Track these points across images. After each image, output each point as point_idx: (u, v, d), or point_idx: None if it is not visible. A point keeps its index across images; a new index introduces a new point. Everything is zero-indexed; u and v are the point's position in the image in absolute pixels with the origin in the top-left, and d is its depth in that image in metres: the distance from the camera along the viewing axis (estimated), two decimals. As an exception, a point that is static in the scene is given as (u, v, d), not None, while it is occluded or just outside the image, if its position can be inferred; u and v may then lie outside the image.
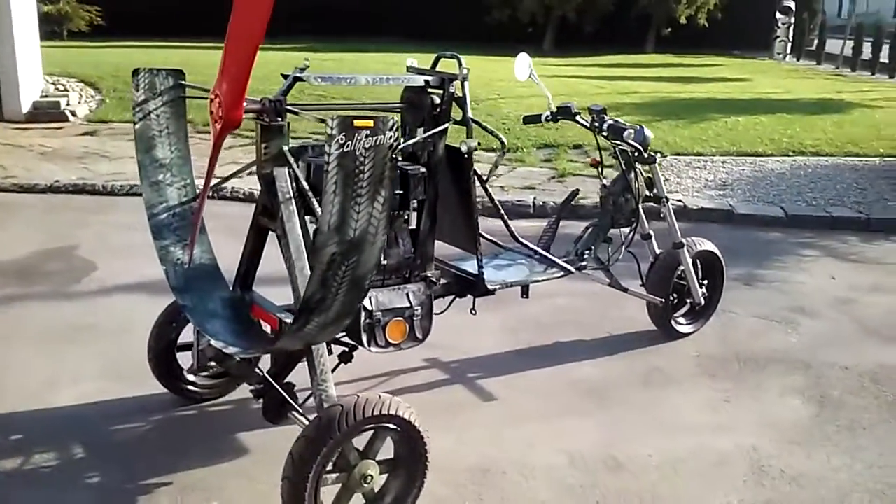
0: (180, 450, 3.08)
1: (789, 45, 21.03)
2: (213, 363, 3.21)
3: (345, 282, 2.32)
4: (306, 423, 2.60)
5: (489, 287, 3.29)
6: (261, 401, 2.94)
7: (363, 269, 2.34)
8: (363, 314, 2.85)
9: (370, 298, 2.86)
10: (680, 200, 6.56)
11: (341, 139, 2.13)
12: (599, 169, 3.88)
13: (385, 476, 2.62)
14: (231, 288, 3.10)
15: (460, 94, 3.10)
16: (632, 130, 3.72)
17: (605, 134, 3.79)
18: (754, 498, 2.93)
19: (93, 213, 6.05)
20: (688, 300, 4.17)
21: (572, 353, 4.03)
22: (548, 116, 3.79)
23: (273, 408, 2.92)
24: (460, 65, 3.13)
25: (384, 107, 3.25)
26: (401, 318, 2.95)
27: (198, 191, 3.23)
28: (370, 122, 2.17)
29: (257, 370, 3.00)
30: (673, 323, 4.18)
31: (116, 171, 6.98)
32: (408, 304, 2.96)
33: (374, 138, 2.17)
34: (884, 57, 18.29)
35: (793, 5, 20.21)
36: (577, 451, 3.16)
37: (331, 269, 2.27)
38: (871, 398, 3.68)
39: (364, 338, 2.88)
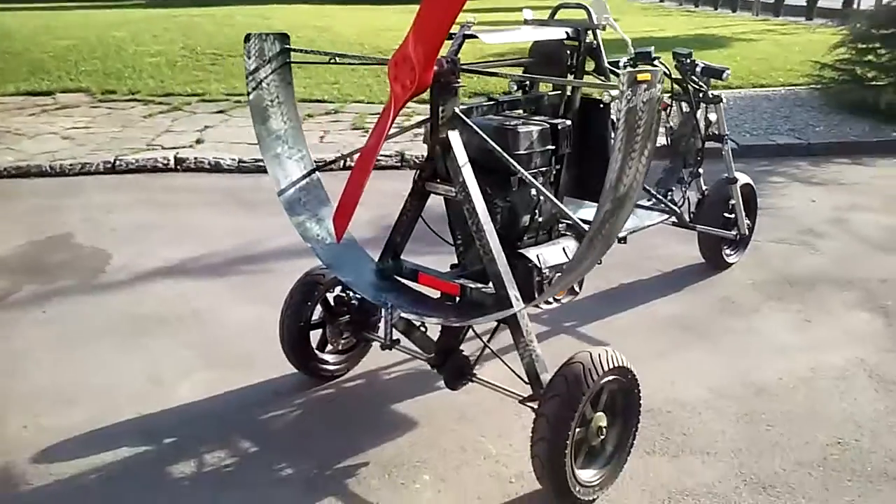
0: (349, 428, 2.98)
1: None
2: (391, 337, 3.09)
3: (604, 238, 2.32)
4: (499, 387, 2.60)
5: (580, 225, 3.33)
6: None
7: (620, 223, 2.35)
8: (535, 273, 2.83)
9: (537, 256, 2.85)
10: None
11: (629, 94, 2.10)
12: (668, 112, 4.00)
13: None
14: (380, 258, 2.98)
15: (594, 45, 3.11)
16: (729, 71, 3.85)
17: (695, 77, 3.88)
18: (889, 401, 3.21)
19: (57, 197, 5.52)
20: (733, 231, 4.41)
21: (642, 294, 4.17)
22: (627, 62, 3.83)
23: (454, 375, 2.87)
24: (590, 16, 3.14)
25: (519, 61, 3.20)
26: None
27: (312, 163, 3.08)
28: (648, 76, 2.15)
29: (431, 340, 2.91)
30: (723, 254, 4.41)
31: (47, 149, 6.37)
32: (566, 259, 2.95)
33: (651, 91, 2.16)
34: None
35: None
36: (712, 383, 3.33)
37: (602, 227, 2.26)
38: (922, 304, 4.10)
39: (536, 295, 2.87)
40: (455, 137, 2.60)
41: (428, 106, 2.59)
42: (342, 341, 3.22)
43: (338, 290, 3.18)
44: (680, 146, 4.01)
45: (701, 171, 4.25)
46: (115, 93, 8.63)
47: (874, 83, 8.23)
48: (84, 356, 3.45)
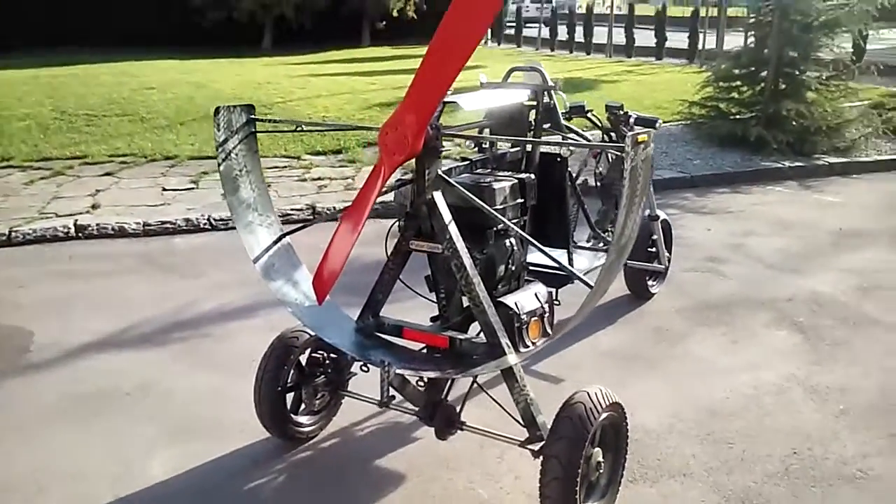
0: (339, 488, 2.97)
1: (489, 31, 22.89)
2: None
3: (607, 282, 2.47)
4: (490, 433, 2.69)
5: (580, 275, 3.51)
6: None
7: (620, 268, 2.51)
8: (515, 319, 2.94)
9: (515, 303, 2.96)
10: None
11: (632, 155, 2.27)
12: (597, 159, 4.24)
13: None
14: (360, 316, 3.00)
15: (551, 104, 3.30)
16: (661, 120, 4.13)
17: (627, 127, 4.13)
18: (827, 409, 3.52)
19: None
20: (655, 263, 4.69)
21: (583, 328, 4.33)
22: (564, 115, 4.03)
23: (443, 426, 2.93)
24: (544, 78, 3.35)
25: (482, 123, 3.35)
26: (537, 318, 3.08)
27: (281, 229, 3.10)
28: (646, 137, 2.33)
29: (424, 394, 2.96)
30: (647, 285, 4.69)
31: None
32: (538, 304, 3.07)
33: (647, 150, 2.34)
34: (578, 37, 20.65)
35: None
36: (669, 409, 3.53)
37: (609, 273, 2.41)
38: (829, 318, 4.50)
39: (515, 341, 2.98)
40: (440, 197, 2.69)
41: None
42: (317, 401, 3.21)
43: (308, 351, 3.17)
44: (612, 189, 4.26)
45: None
46: (-14, 160, 8.16)
47: (739, 117, 8.94)
48: (40, 442, 3.26)
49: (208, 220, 6.14)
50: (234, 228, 6.00)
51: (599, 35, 20.00)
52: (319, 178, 7.42)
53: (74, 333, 4.27)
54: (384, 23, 22.95)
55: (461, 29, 2.41)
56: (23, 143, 8.63)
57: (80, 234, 5.94)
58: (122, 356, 4.04)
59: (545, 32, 21.98)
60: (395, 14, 22.59)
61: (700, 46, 16.74)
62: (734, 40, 11.13)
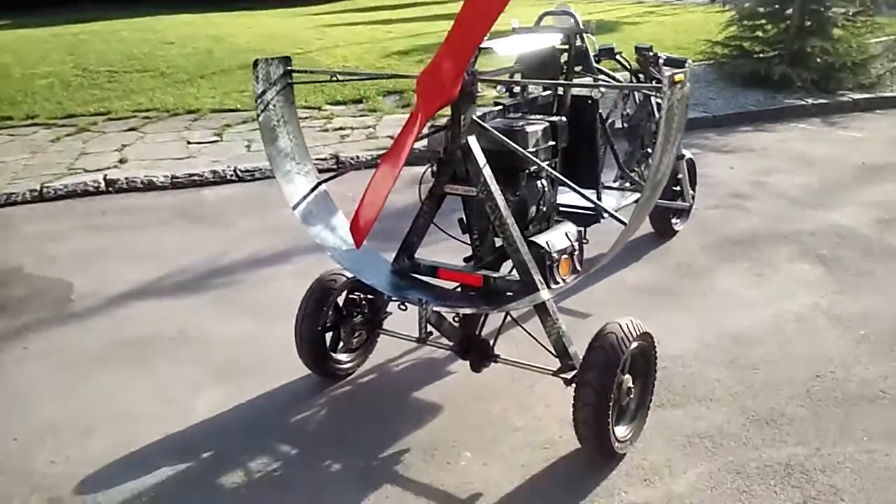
0: (379, 420, 3.09)
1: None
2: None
3: (641, 217, 2.55)
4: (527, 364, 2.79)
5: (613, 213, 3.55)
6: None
7: (653, 204, 2.58)
8: (546, 258, 3.01)
9: (546, 242, 3.03)
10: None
11: (668, 94, 2.32)
12: (625, 100, 4.27)
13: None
14: (396, 258, 3.09)
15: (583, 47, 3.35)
16: (690, 60, 4.14)
17: (656, 68, 4.13)
18: (849, 336, 3.59)
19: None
20: (680, 201, 4.74)
21: (608, 266, 4.39)
22: (595, 57, 4.03)
23: (478, 359, 3.05)
24: (576, 21, 3.38)
25: (515, 69, 3.40)
26: (567, 256, 3.15)
27: (317, 176, 3.18)
28: (682, 77, 2.38)
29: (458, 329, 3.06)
30: (671, 223, 4.75)
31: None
32: (569, 243, 3.13)
33: (683, 90, 2.39)
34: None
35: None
36: (694, 338, 3.62)
37: (643, 209, 2.49)
38: (851, 250, 4.55)
39: (546, 278, 3.06)
40: (474, 142, 2.76)
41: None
42: (355, 340, 3.33)
43: (345, 293, 3.28)
44: (638, 130, 4.29)
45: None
46: (12, 118, 8.25)
47: (762, 56, 8.85)
48: (86, 385, 3.42)
49: (234, 171, 6.24)
50: (260, 179, 6.18)
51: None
52: (341, 128, 7.48)
53: (112, 283, 4.41)
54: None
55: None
56: (46, 101, 8.74)
57: (110, 189, 6.06)
58: (160, 304, 4.18)
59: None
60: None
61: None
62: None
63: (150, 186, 6.11)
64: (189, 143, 7.14)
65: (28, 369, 3.56)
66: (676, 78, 2.33)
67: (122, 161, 6.62)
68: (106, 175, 6.17)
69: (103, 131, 7.65)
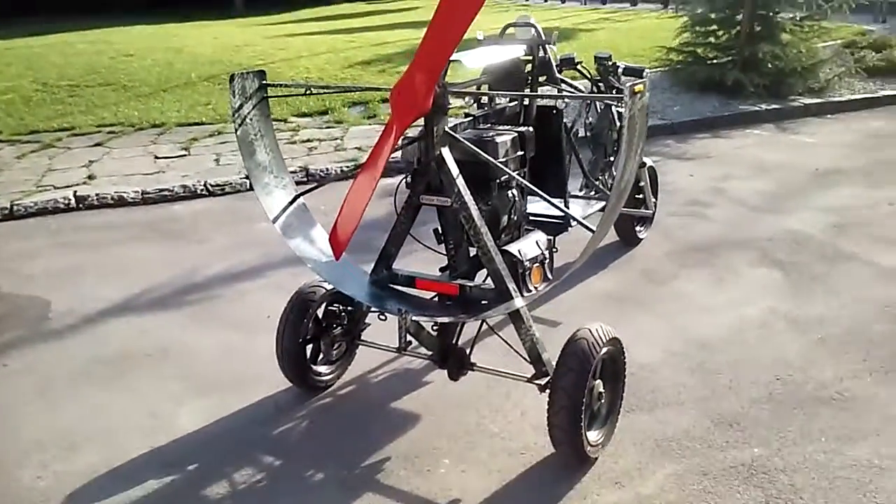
0: (359, 430, 3.19)
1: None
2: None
3: (607, 225, 2.68)
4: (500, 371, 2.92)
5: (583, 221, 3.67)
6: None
7: (616, 215, 2.71)
8: (518, 266, 3.13)
9: (518, 251, 3.16)
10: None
11: (631, 105, 2.45)
12: (587, 109, 4.42)
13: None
14: (374, 269, 3.19)
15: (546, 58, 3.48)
16: (647, 69, 4.30)
17: (615, 76, 4.29)
18: (806, 339, 3.78)
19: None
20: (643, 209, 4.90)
21: (575, 274, 4.54)
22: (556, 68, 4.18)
23: (456, 368, 3.16)
24: (538, 33, 3.51)
25: (481, 80, 3.51)
26: (539, 264, 3.28)
27: (295, 189, 3.27)
28: (642, 87, 2.51)
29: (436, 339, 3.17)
30: (635, 230, 4.92)
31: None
32: (540, 251, 3.26)
33: (643, 99, 2.53)
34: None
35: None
36: (660, 344, 3.78)
37: (609, 216, 2.62)
38: (807, 255, 4.75)
39: (519, 286, 3.18)
40: (447, 153, 2.87)
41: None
42: (334, 351, 3.43)
43: (324, 305, 3.37)
44: (601, 138, 4.44)
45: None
46: (-26, 134, 8.21)
47: (716, 62, 9.11)
48: (69, 402, 3.47)
49: (205, 185, 6.28)
50: (231, 193, 6.23)
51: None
52: (308, 140, 7.56)
53: (89, 300, 4.45)
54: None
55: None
56: (9, 117, 8.69)
57: (80, 206, 6.07)
58: (138, 320, 4.23)
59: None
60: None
61: (674, -10, 16.78)
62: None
63: (120, 202, 6.14)
64: (157, 157, 7.16)
65: (9, 386, 3.60)
66: (636, 88, 2.46)
67: (90, 177, 6.63)
68: (76, 191, 6.18)
69: (69, 147, 7.64)
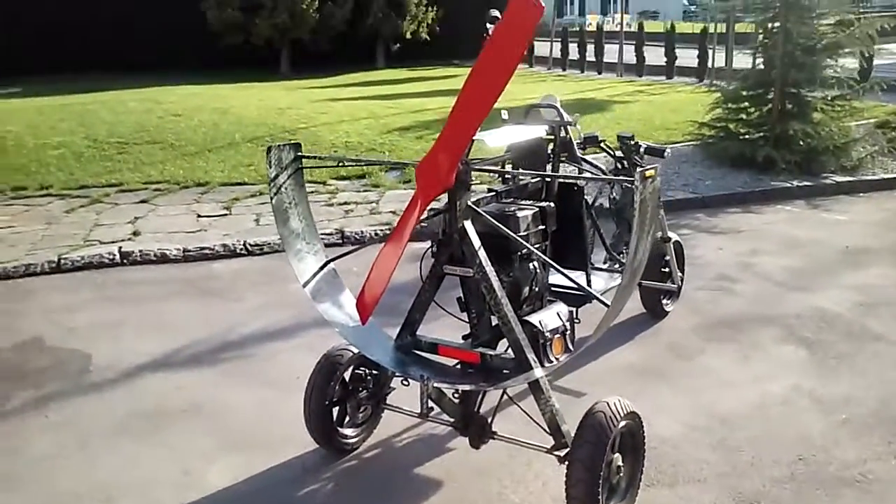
0: (385, 495, 3.28)
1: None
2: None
3: (624, 300, 2.78)
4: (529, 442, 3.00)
5: (598, 296, 3.80)
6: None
7: (634, 288, 2.81)
8: (539, 336, 3.23)
9: (539, 322, 3.26)
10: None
11: (641, 188, 2.58)
12: (612, 185, 4.55)
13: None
14: (399, 335, 3.31)
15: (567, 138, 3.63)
16: (668, 149, 4.44)
17: (638, 156, 4.44)
18: (831, 418, 3.79)
19: (9, 301, 5.53)
20: (669, 283, 4.98)
21: (601, 346, 4.62)
22: (580, 146, 4.35)
23: (477, 436, 3.25)
24: (560, 114, 3.67)
25: (505, 158, 3.68)
26: (560, 335, 3.37)
27: (326, 255, 3.41)
28: (653, 172, 2.65)
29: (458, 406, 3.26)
30: (661, 304, 4.99)
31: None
32: (561, 323, 3.36)
33: (654, 183, 2.66)
34: (589, 56, 21.01)
35: (500, 14, 22.40)
36: (683, 419, 3.82)
37: (624, 293, 2.72)
38: (834, 334, 4.78)
39: (540, 357, 3.27)
40: (470, 226, 3.02)
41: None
42: (360, 414, 3.53)
43: (351, 368, 3.48)
44: (624, 214, 4.56)
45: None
46: (27, 188, 8.54)
47: (748, 138, 9.23)
48: (105, 455, 3.59)
49: (244, 245, 6.49)
50: (269, 253, 6.43)
51: (610, 53, 20.36)
52: (346, 203, 7.77)
53: (129, 354, 4.61)
54: (398, 45, 23.40)
55: (485, 83, 2.74)
56: (60, 172, 9.04)
57: (125, 261, 6.29)
58: (174, 376, 4.37)
59: (556, 51, 22.30)
60: (408, 36, 23.06)
61: (710, 65, 17.03)
62: (743, 58, 11.39)
63: (162, 259, 6.34)
64: (199, 216, 7.40)
65: (50, 438, 3.74)
66: (648, 173, 2.60)
67: (135, 233, 6.87)
68: (121, 247, 6.41)
69: (116, 203, 7.93)
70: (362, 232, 6.81)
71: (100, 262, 6.22)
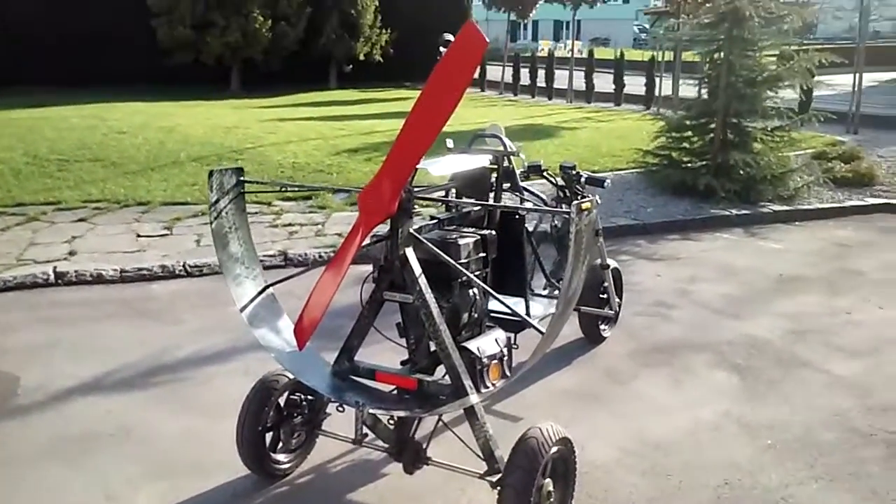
0: (315, 522, 3.24)
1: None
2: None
3: (557, 329, 2.82)
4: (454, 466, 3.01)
5: (533, 323, 3.84)
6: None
7: (568, 317, 2.85)
8: (476, 363, 3.25)
9: (477, 348, 3.28)
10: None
11: (577, 220, 2.63)
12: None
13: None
14: (336, 360, 3.30)
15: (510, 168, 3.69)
16: (609, 180, 4.52)
17: (579, 185, 4.51)
18: (757, 443, 3.88)
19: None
20: (607, 309, 5.06)
21: (538, 370, 4.68)
22: (521, 174, 4.40)
23: (411, 462, 3.24)
24: (503, 144, 3.74)
25: (447, 186, 3.72)
26: (497, 361, 3.40)
27: (265, 280, 3.40)
28: (589, 205, 2.70)
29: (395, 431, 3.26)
30: (599, 329, 5.06)
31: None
32: (499, 349, 3.38)
33: (590, 216, 2.71)
34: (540, 81, 21.31)
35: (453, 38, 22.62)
36: (616, 444, 3.87)
37: (559, 321, 2.76)
38: (764, 360, 4.89)
39: (476, 383, 3.29)
40: (411, 253, 3.03)
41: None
42: (294, 440, 3.51)
43: (286, 394, 3.46)
44: (565, 241, 4.61)
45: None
46: (-40, 205, 8.33)
47: (689, 166, 9.45)
48: (27, 481, 3.51)
49: (184, 266, 6.41)
50: (209, 275, 6.34)
51: (561, 79, 20.68)
52: (290, 224, 7.73)
53: (59, 378, 4.51)
54: (351, 66, 23.47)
55: (430, 111, 2.78)
56: (-3, 189, 8.82)
57: (59, 281, 6.16)
58: (105, 400, 4.28)
59: (508, 75, 22.58)
60: (361, 57, 23.16)
61: (656, 93, 17.40)
62: (690, 87, 11.66)
63: (99, 279, 6.23)
64: (139, 235, 7.30)
65: (-30, 465, 3.63)
66: (583, 206, 2.65)
67: (71, 253, 6.74)
68: (55, 267, 6.28)
69: (53, 221, 7.77)
70: (306, 254, 6.78)
71: (33, 282, 6.08)
